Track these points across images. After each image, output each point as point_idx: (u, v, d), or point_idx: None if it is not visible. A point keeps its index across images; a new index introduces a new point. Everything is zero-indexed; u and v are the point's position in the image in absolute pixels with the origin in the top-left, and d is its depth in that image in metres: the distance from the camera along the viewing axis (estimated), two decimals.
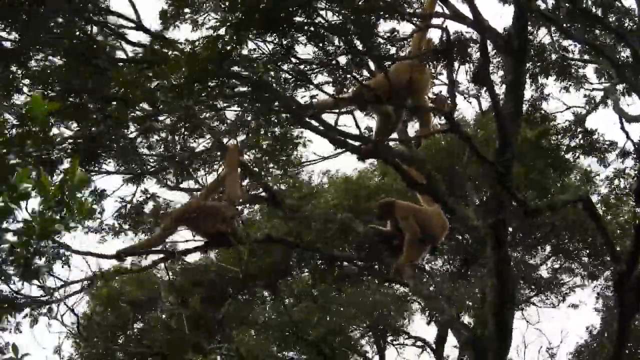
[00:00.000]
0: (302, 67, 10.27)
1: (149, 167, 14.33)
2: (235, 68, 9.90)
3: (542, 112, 18.74)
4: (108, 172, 13.89)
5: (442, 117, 10.66)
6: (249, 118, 11.32)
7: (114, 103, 12.21)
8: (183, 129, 12.99)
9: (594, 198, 22.70)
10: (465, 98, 16.03)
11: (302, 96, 11.00)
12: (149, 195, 15.29)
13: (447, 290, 21.28)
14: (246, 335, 21.95)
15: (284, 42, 9.77)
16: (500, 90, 14.18)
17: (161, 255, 12.30)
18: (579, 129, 18.88)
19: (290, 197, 14.84)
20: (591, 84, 18.65)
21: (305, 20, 9.66)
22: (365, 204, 17.49)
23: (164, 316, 22.72)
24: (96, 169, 13.56)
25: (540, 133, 18.27)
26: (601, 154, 18.81)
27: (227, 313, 21.51)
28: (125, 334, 23.00)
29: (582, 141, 18.78)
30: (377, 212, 12.45)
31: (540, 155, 18.21)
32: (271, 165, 14.64)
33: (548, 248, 24.51)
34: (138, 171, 14.26)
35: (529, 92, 21.01)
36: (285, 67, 10.36)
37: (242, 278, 16.67)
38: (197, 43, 9.59)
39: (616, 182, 20.61)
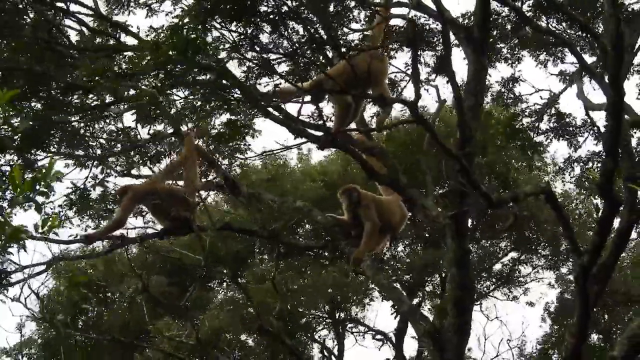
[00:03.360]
0: (265, 55, 10.22)
1: (95, 153, 14.35)
2: (199, 57, 9.79)
3: (514, 95, 18.78)
4: (55, 154, 13.86)
5: (406, 107, 10.61)
6: (199, 104, 11.26)
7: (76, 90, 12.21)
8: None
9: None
10: (424, 87, 15.99)
11: (265, 84, 10.97)
12: (97, 181, 15.22)
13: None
14: (208, 319, 21.90)
15: (249, 31, 9.72)
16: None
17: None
18: (550, 112, 18.91)
19: (247, 185, 14.76)
20: (564, 62, 18.63)
21: (270, 10, 9.63)
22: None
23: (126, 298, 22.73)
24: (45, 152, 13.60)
25: (512, 116, 18.33)
26: (572, 136, 18.85)
27: (190, 297, 21.49)
28: (87, 316, 22.98)
29: (553, 124, 18.82)
30: (341, 198, 12.31)
31: (512, 137, 18.25)
32: (220, 152, 14.69)
33: (507, 241, 24.79)
34: (84, 157, 14.25)
35: (500, 75, 21.15)
36: (249, 55, 10.31)
37: (204, 265, 16.61)
38: (160, 32, 9.55)
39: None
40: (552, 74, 19.39)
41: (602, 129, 12.89)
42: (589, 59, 17.26)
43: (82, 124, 13.56)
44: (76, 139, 13.74)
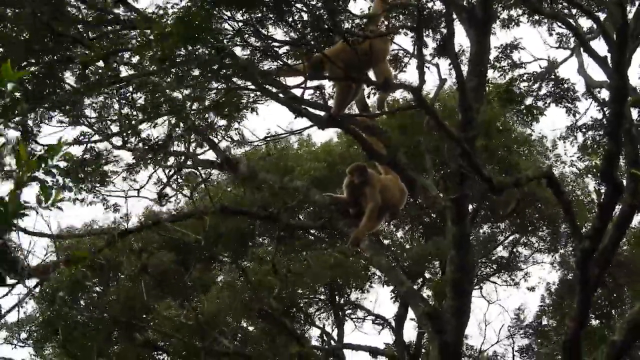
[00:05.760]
0: (268, 42, 10.17)
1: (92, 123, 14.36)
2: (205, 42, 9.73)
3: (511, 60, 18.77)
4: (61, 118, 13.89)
5: (410, 92, 10.57)
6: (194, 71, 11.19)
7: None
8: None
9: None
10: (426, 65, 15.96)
11: (269, 68, 10.91)
12: (94, 153, 15.26)
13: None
14: (209, 300, 21.84)
15: (254, 18, 9.66)
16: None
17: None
18: (549, 77, 18.88)
19: (244, 163, 14.72)
20: (561, 26, 18.54)
21: None
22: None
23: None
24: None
25: (510, 81, 18.28)
26: (571, 102, 18.82)
27: (191, 277, 21.43)
28: (89, 294, 22.97)
29: (552, 89, 18.79)
30: (352, 173, 12.15)
31: (509, 102, 18.21)
32: (217, 119, 14.64)
33: (507, 224, 24.74)
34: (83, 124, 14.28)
35: (499, 42, 21.05)
36: (252, 40, 10.24)
37: (204, 245, 16.58)
38: (166, 20, 9.48)
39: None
40: (551, 46, 19.38)
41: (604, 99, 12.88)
42: (586, 22, 17.28)
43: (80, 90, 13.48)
44: (74, 107, 13.69)
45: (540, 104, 18.85)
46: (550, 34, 18.26)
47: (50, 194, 5.38)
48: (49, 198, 5.37)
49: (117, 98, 13.96)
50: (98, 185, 16.06)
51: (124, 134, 14.70)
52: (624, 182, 11.79)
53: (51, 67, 12.52)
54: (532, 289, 26.49)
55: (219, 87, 12.01)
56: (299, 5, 9.73)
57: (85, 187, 15.84)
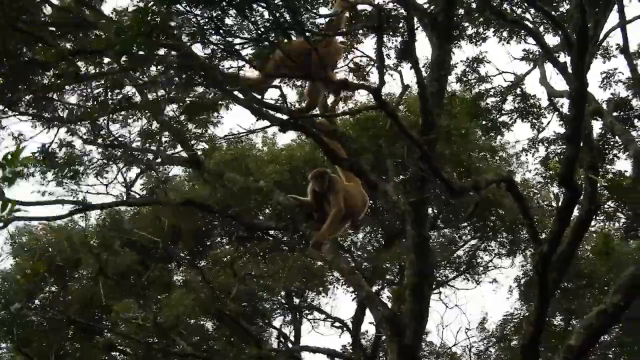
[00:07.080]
0: (230, 39, 10.12)
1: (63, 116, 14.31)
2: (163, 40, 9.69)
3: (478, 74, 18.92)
4: (22, 113, 13.81)
5: (370, 94, 10.55)
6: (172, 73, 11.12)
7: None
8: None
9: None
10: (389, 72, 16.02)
11: (229, 67, 10.88)
12: (64, 144, 15.20)
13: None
14: (168, 301, 21.76)
15: (214, 15, 9.61)
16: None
17: None
18: (515, 92, 19.08)
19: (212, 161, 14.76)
20: (527, 42, 18.72)
21: None
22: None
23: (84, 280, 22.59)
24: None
25: (477, 95, 18.44)
26: (536, 118, 19.06)
27: (150, 277, 21.33)
28: (43, 295, 22.81)
29: (517, 104, 19.02)
30: (313, 180, 12.13)
31: (476, 117, 18.32)
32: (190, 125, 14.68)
33: (468, 229, 24.85)
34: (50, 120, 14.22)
35: (464, 55, 21.18)
36: (213, 39, 10.20)
37: (162, 246, 16.50)
38: (124, 16, 9.43)
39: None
40: (515, 58, 19.56)
41: (566, 113, 12.95)
42: (552, 39, 17.40)
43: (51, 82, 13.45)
44: (45, 100, 13.63)
45: (505, 118, 19.06)
46: (510, 37, 18.28)
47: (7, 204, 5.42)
48: (5, 208, 5.40)
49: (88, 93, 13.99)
50: (69, 181, 16.06)
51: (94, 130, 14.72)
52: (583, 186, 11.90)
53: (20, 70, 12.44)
54: (494, 281, 26.56)
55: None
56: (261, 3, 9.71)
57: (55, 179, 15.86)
